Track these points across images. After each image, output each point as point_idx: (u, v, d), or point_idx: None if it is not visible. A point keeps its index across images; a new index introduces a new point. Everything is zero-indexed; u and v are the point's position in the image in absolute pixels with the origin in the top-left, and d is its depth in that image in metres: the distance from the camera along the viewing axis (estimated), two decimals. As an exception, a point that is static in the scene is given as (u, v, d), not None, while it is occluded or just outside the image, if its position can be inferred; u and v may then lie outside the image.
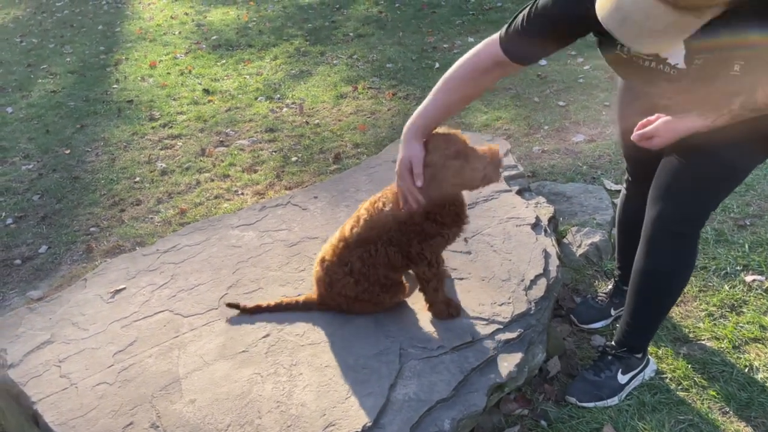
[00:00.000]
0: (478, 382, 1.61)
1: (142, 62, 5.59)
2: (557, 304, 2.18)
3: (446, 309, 1.76)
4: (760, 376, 1.85)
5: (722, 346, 1.97)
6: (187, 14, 7.09)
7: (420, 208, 1.59)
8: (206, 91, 4.77)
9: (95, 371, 1.70)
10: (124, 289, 2.02)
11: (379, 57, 5.16)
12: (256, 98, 4.57)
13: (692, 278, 2.21)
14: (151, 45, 6.09)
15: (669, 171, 1.57)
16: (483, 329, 1.74)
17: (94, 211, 3.24)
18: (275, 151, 3.72)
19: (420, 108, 1.59)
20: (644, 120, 1.53)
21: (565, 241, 2.49)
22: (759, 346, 1.96)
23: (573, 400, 1.81)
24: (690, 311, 2.13)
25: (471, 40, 5.31)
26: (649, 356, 1.89)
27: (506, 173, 2.50)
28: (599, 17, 1.16)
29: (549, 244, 2.09)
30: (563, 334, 2.08)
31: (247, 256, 2.12)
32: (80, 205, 3.30)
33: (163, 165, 3.65)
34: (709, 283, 2.24)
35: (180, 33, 6.40)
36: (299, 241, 2.18)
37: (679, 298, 2.08)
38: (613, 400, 1.80)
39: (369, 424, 1.46)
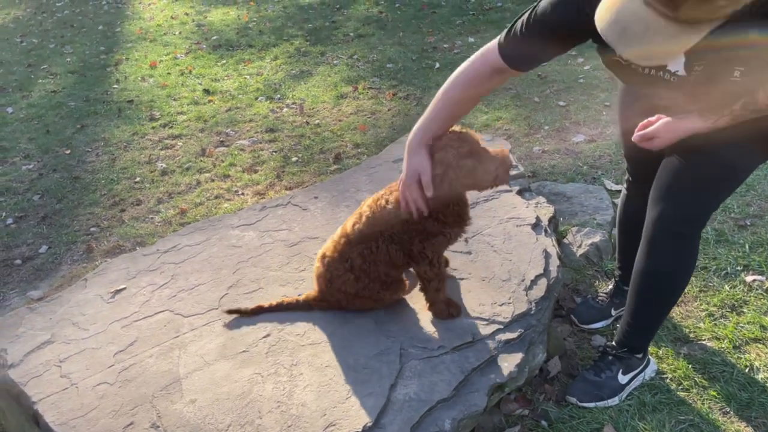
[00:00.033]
0: (478, 382, 1.61)
1: (142, 62, 5.59)
2: (558, 305, 2.18)
3: (446, 309, 1.76)
4: (760, 377, 1.85)
5: (723, 346, 1.97)
6: (187, 14, 7.09)
7: (422, 216, 1.61)
8: (206, 91, 4.77)
9: (96, 371, 1.70)
10: (124, 289, 2.02)
11: (380, 57, 5.16)
12: (256, 98, 4.57)
13: (693, 278, 2.21)
14: (151, 45, 6.09)
15: (670, 171, 1.57)
16: (483, 329, 1.74)
17: (95, 211, 3.24)
18: (275, 152, 3.72)
19: (423, 119, 1.59)
20: (645, 121, 1.53)
21: (565, 241, 2.49)
22: (759, 346, 1.96)
23: (573, 400, 1.81)
24: (690, 311, 2.13)
25: (471, 40, 5.31)
26: (650, 356, 1.89)
27: (507, 173, 2.49)
28: (598, 29, 1.16)
29: (549, 244, 2.09)
30: (564, 334, 2.08)
31: (247, 256, 2.12)
32: (80, 205, 3.30)
33: (164, 165, 3.65)
34: (710, 284, 2.24)
35: (180, 33, 6.40)
36: (299, 241, 2.18)
37: (680, 299, 2.08)
38: (614, 401, 1.80)
39: (369, 424, 1.46)
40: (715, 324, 2.06)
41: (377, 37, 5.67)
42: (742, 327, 2.03)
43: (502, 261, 2.00)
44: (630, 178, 1.95)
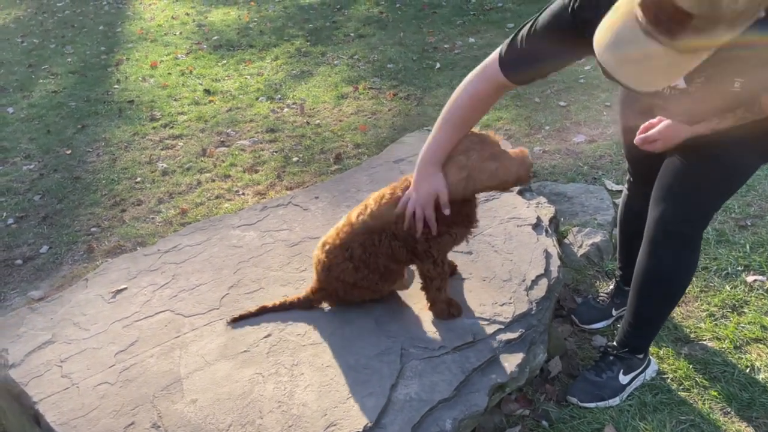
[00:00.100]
0: (479, 382, 1.61)
1: (143, 62, 5.59)
2: (558, 305, 2.18)
3: (447, 309, 1.76)
4: (761, 377, 1.85)
5: (723, 346, 1.97)
6: (188, 14, 7.09)
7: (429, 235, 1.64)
8: (207, 92, 4.77)
9: (96, 371, 1.70)
10: (125, 289, 2.02)
11: (380, 57, 5.16)
12: (257, 98, 4.57)
13: (693, 278, 2.21)
14: (152, 45, 6.09)
15: (671, 172, 1.57)
16: (484, 329, 1.74)
17: (95, 211, 3.24)
18: (276, 152, 3.72)
19: (431, 139, 1.61)
20: (647, 123, 1.53)
21: (566, 241, 2.49)
22: (760, 346, 1.96)
23: (574, 400, 1.81)
24: (691, 311, 2.13)
25: (472, 40, 5.32)
26: (651, 357, 1.89)
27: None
28: (596, 53, 1.16)
29: (550, 244, 2.09)
30: (564, 334, 2.08)
31: (248, 256, 2.12)
32: (81, 205, 3.30)
33: (164, 165, 3.66)
34: (711, 284, 2.24)
35: (181, 33, 6.40)
36: (300, 241, 2.18)
37: (681, 299, 2.08)
38: (615, 401, 1.80)
39: (370, 424, 1.46)
40: (716, 324, 2.06)
41: (378, 38, 5.67)
42: (742, 327, 2.03)
43: (503, 261, 2.00)
44: (631, 179, 1.95)
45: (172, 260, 2.15)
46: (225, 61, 5.44)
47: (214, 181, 3.44)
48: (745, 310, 2.10)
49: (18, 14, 7.84)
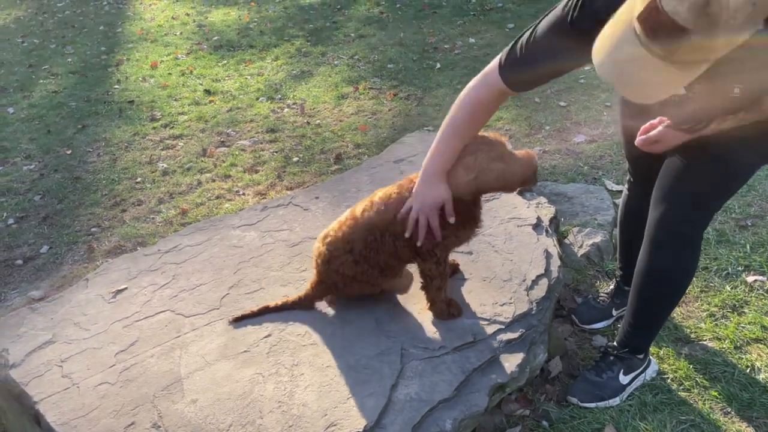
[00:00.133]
0: (479, 383, 1.61)
1: (143, 63, 5.59)
2: (558, 305, 2.18)
3: (447, 309, 1.76)
4: (761, 377, 1.85)
5: (724, 346, 1.97)
6: (188, 15, 7.09)
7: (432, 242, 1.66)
8: (207, 92, 4.77)
9: (97, 371, 1.70)
10: (125, 289, 2.02)
11: (381, 57, 5.16)
12: (257, 99, 4.57)
13: (694, 279, 2.21)
14: (152, 45, 6.09)
15: (672, 172, 1.57)
16: (484, 329, 1.74)
17: (96, 212, 3.24)
18: (276, 152, 3.72)
19: (434, 149, 1.62)
20: (647, 124, 1.53)
21: (566, 241, 2.49)
22: (761, 346, 1.96)
23: (574, 400, 1.81)
24: (691, 312, 2.13)
25: (472, 40, 5.32)
26: (651, 357, 1.89)
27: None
28: (595, 65, 1.16)
29: (550, 244, 2.09)
30: (565, 334, 2.08)
31: (248, 257, 2.12)
32: (81, 206, 3.31)
33: (165, 165, 3.66)
34: (711, 284, 2.24)
35: (181, 34, 6.40)
36: (301, 241, 2.19)
37: (681, 299, 2.08)
38: (615, 401, 1.80)
39: (370, 425, 1.46)
40: (716, 324, 2.06)
41: (378, 38, 5.67)
42: (743, 327, 2.03)
43: (503, 261, 2.00)
44: (631, 179, 1.95)
45: (173, 260, 2.15)
46: (225, 62, 5.44)
47: (214, 181, 3.44)
48: (746, 311, 2.10)
49: (18, 14, 7.84)
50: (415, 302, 1.84)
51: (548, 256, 2.02)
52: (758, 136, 1.43)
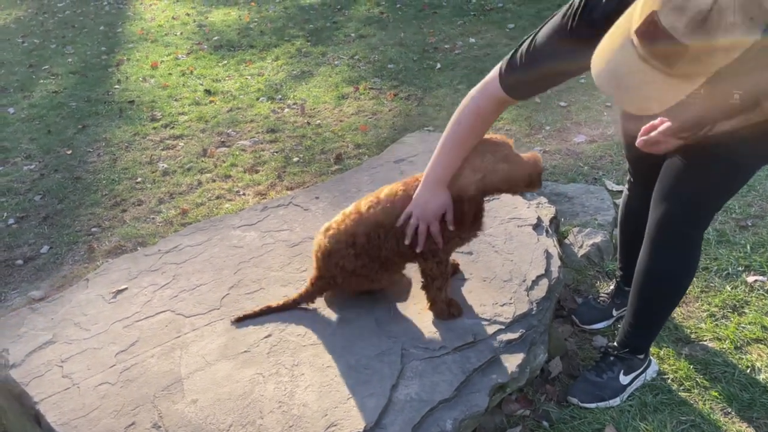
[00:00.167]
0: (479, 383, 1.61)
1: (143, 63, 5.59)
2: (559, 305, 2.18)
3: (447, 309, 1.76)
4: (762, 377, 1.85)
5: (724, 346, 1.97)
6: (188, 15, 7.10)
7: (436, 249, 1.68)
8: (208, 92, 4.77)
9: (97, 371, 1.70)
10: (125, 289, 2.03)
11: (381, 57, 5.16)
12: (257, 99, 4.57)
13: (694, 279, 2.21)
14: (152, 46, 6.09)
15: (672, 172, 1.57)
16: (485, 329, 1.74)
17: (96, 212, 3.24)
18: (277, 152, 3.72)
19: (436, 157, 1.62)
20: (648, 125, 1.53)
21: (566, 241, 2.49)
22: (761, 346, 1.96)
23: (575, 400, 1.81)
24: (692, 312, 2.13)
25: (472, 40, 5.32)
26: (651, 357, 1.89)
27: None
28: (593, 75, 1.16)
29: (550, 244, 2.09)
30: (565, 334, 2.08)
31: (248, 257, 2.12)
32: (82, 206, 3.31)
33: (165, 165, 3.66)
34: (711, 284, 2.24)
35: (181, 34, 6.40)
36: (301, 241, 2.19)
37: (682, 299, 2.08)
38: (615, 401, 1.80)
39: (371, 425, 1.46)
40: (717, 324, 2.06)
41: (378, 38, 5.68)
42: (743, 327, 2.03)
43: (504, 261, 2.00)
44: (631, 179, 1.95)
45: (173, 260, 2.15)
46: (225, 62, 5.44)
47: (214, 181, 3.44)
48: (746, 311, 2.10)
49: (19, 14, 7.84)
50: (416, 302, 1.84)
51: (548, 256, 2.02)
52: (758, 136, 1.43)
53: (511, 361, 1.67)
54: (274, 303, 1.84)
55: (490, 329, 1.74)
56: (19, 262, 2.88)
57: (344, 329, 1.76)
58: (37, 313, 1.95)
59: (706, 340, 2.01)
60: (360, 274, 1.73)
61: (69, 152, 3.94)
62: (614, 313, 2.11)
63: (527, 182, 1.64)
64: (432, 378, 1.59)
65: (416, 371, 1.61)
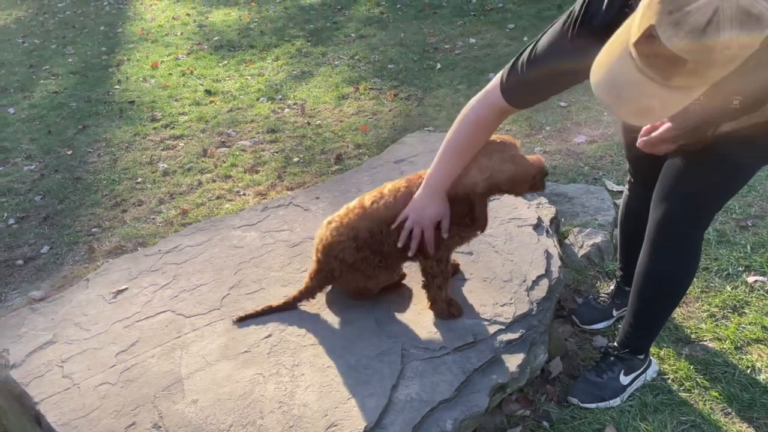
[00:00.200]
0: (480, 383, 1.61)
1: (143, 63, 5.59)
2: (559, 305, 2.18)
3: (448, 308, 1.76)
4: (762, 377, 1.85)
5: (724, 347, 1.97)
6: (188, 15, 7.10)
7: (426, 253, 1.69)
8: (208, 92, 4.77)
9: (97, 371, 1.70)
10: (126, 289, 2.03)
11: (381, 58, 5.16)
12: (257, 99, 4.57)
13: (694, 279, 2.21)
14: (152, 46, 6.09)
15: (673, 172, 1.57)
16: (485, 330, 1.74)
17: (96, 212, 3.24)
18: (277, 152, 3.72)
19: (436, 167, 1.63)
20: (648, 126, 1.53)
21: (566, 241, 2.49)
22: (761, 347, 1.96)
23: (575, 400, 1.81)
24: (692, 312, 2.13)
25: (472, 41, 5.32)
26: (651, 357, 1.89)
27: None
28: (592, 87, 1.16)
29: (551, 244, 2.09)
30: (565, 334, 2.08)
31: (249, 257, 2.12)
32: (82, 206, 3.31)
33: (165, 165, 3.66)
34: (711, 284, 2.24)
35: (182, 34, 6.41)
36: (301, 241, 2.19)
37: (682, 299, 2.08)
38: (615, 401, 1.80)
39: (371, 425, 1.46)
40: (717, 325, 2.06)
41: (378, 38, 5.68)
42: (743, 328, 2.03)
43: (504, 261, 2.00)
44: (631, 179, 1.95)
45: (173, 261, 2.15)
46: (226, 62, 5.44)
47: (214, 181, 3.44)
48: (746, 311, 2.10)
49: (19, 15, 7.85)
50: (416, 302, 1.84)
51: (549, 256, 2.02)
52: (758, 136, 1.43)
53: (512, 362, 1.67)
54: (275, 303, 1.84)
55: (491, 329, 1.74)
56: (20, 262, 2.88)
57: (344, 329, 1.76)
58: (37, 314, 1.95)
59: (706, 341, 2.01)
60: (359, 268, 1.73)
61: (69, 152, 3.94)
62: (614, 313, 2.11)
63: (531, 184, 1.65)
64: (432, 378, 1.59)
65: (416, 371, 1.61)
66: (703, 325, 2.06)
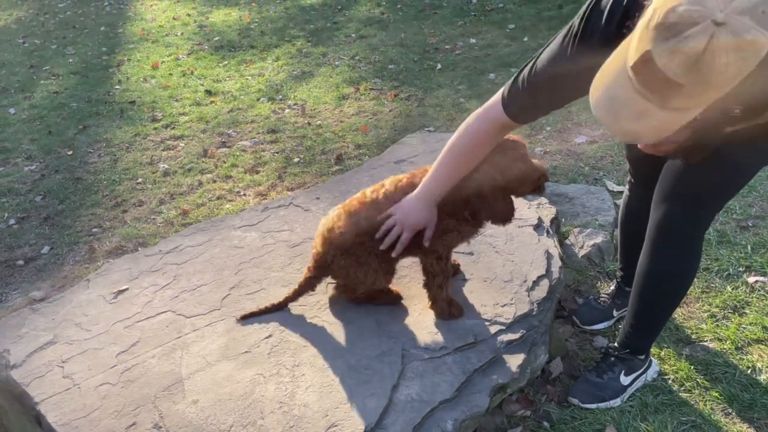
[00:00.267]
0: (480, 383, 1.61)
1: (144, 63, 5.60)
2: (559, 305, 2.18)
3: (448, 308, 1.76)
4: (762, 378, 1.85)
5: (725, 347, 1.97)
6: (189, 15, 7.10)
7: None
8: (208, 92, 4.77)
9: (98, 372, 1.70)
10: (126, 289, 2.03)
11: (381, 58, 5.16)
12: (258, 99, 4.57)
13: (695, 279, 2.21)
14: (153, 46, 6.10)
15: (673, 173, 1.57)
16: (485, 330, 1.74)
17: (97, 212, 3.24)
18: (277, 152, 3.72)
19: (432, 176, 1.64)
20: None
21: (567, 242, 2.49)
22: (762, 347, 1.96)
23: (575, 401, 1.81)
24: (692, 312, 2.13)
25: (473, 41, 5.32)
26: (652, 357, 1.89)
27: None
28: (591, 103, 1.17)
29: (551, 245, 2.09)
30: (565, 335, 2.08)
31: (249, 257, 2.13)
32: (83, 206, 3.31)
33: (166, 166, 3.66)
34: (712, 285, 2.24)
35: (182, 34, 6.41)
36: (301, 242, 2.19)
37: (682, 300, 2.08)
38: (616, 402, 1.80)
39: (371, 425, 1.46)
40: (717, 325, 2.06)
41: (379, 38, 5.68)
42: (744, 328, 2.03)
43: (504, 262, 2.00)
44: (632, 179, 1.95)
45: (174, 261, 2.15)
46: (226, 62, 5.45)
47: (215, 181, 3.44)
48: (747, 311, 2.10)
49: (19, 15, 7.85)
50: (416, 303, 1.84)
51: (549, 256, 2.02)
52: (758, 137, 1.43)
53: (512, 362, 1.67)
54: (276, 301, 1.84)
55: (491, 329, 1.74)
56: (20, 262, 2.88)
57: (345, 330, 1.76)
58: (37, 314, 1.95)
59: (706, 341, 2.01)
60: (353, 252, 1.71)
61: (70, 153, 3.95)
62: (615, 313, 2.11)
63: (535, 186, 1.66)
64: (433, 378, 1.59)
65: (417, 371, 1.61)
66: (703, 326, 2.06)
